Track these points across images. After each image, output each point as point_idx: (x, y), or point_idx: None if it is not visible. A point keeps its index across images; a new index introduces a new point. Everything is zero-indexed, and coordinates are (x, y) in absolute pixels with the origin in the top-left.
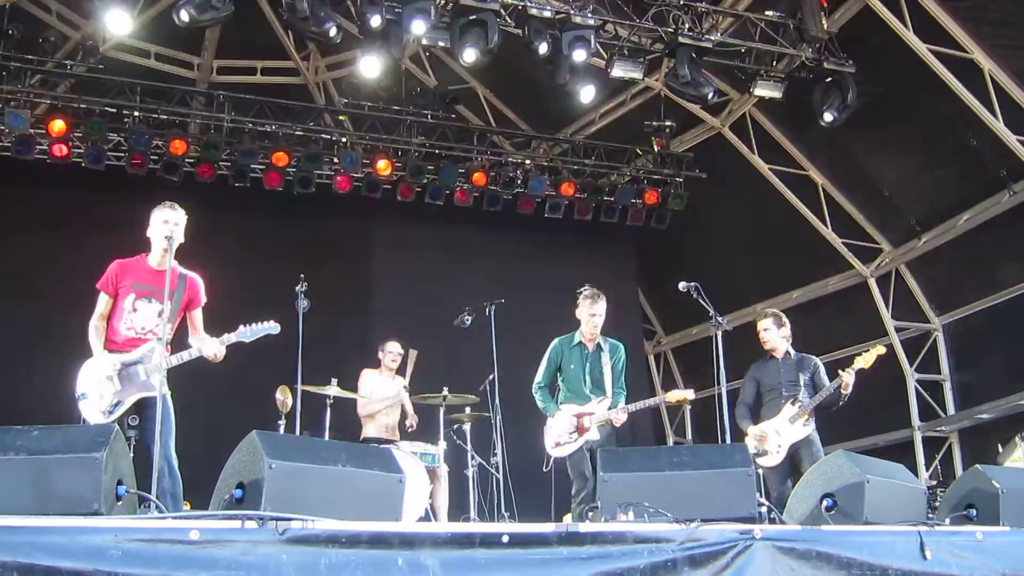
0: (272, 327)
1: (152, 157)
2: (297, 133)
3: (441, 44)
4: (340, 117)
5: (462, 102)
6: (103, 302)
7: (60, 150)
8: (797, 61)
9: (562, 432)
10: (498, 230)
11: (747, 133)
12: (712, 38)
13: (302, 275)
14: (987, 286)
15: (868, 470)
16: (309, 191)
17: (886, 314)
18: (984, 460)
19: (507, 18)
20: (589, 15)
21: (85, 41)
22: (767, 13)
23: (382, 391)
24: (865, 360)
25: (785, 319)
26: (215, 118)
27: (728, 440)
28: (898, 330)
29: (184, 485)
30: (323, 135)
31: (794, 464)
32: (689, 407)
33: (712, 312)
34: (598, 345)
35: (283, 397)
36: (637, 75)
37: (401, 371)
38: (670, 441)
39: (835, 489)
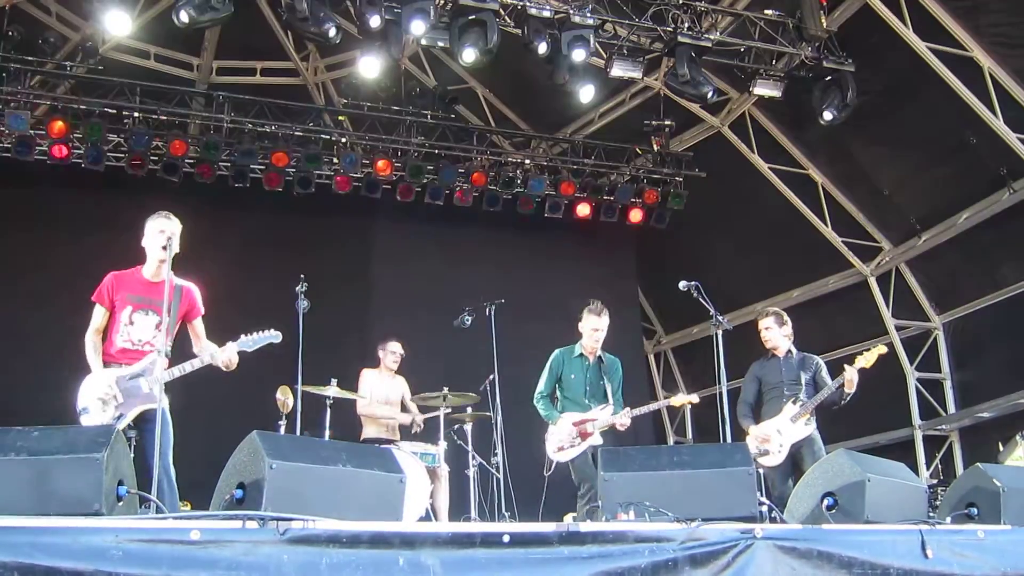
0: (274, 335)
1: (152, 158)
2: (297, 133)
3: (440, 44)
4: (340, 117)
5: (461, 102)
6: (99, 315)
7: (60, 151)
8: (796, 60)
9: (565, 438)
10: (498, 230)
11: (747, 132)
12: (711, 37)
13: (302, 275)
14: (987, 284)
15: (869, 469)
16: (309, 191)
17: (886, 313)
18: (985, 459)
19: (506, 18)
20: (588, 15)
21: (85, 42)
22: (766, 12)
23: (382, 391)
24: (866, 360)
25: (786, 317)
26: (215, 119)
27: (729, 439)
28: (898, 329)
29: (184, 485)
30: (323, 135)
31: (795, 463)
32: (690, 407)
33: (713, 311)
34: (599, 358)
35: (283, 397)
36: (636, 74)
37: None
38: (671, 440)
39: (836, 488)
